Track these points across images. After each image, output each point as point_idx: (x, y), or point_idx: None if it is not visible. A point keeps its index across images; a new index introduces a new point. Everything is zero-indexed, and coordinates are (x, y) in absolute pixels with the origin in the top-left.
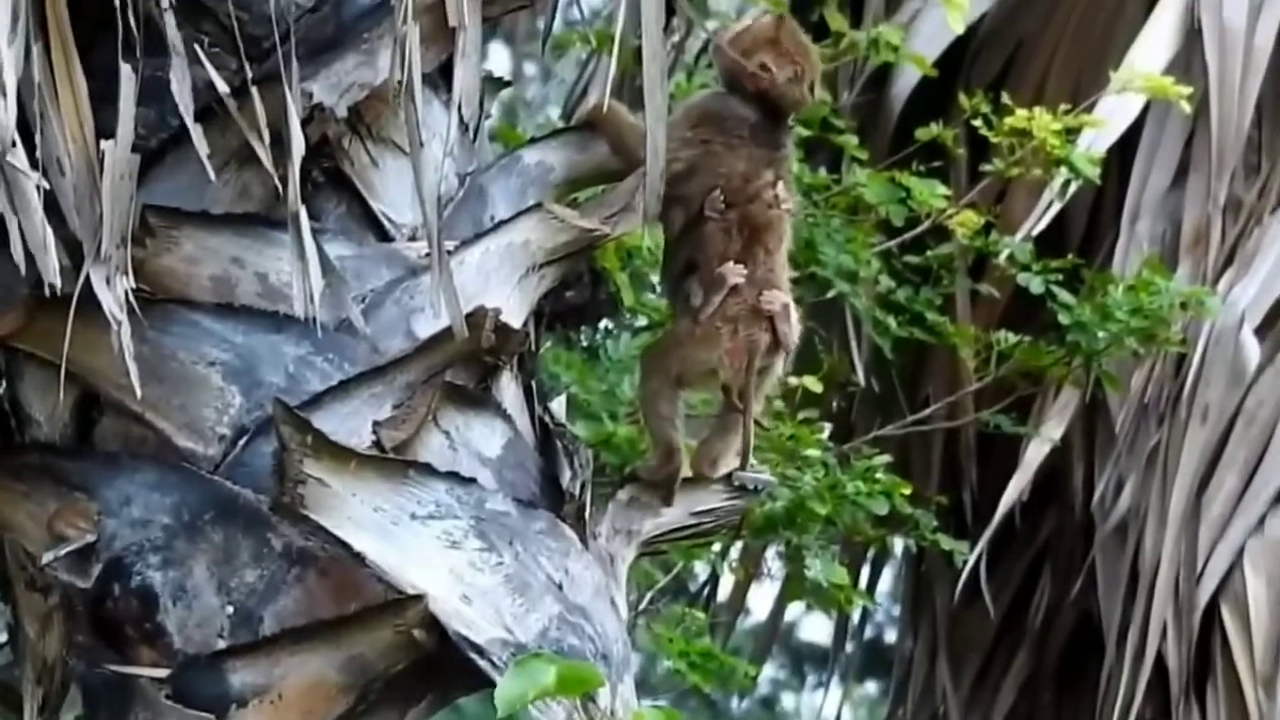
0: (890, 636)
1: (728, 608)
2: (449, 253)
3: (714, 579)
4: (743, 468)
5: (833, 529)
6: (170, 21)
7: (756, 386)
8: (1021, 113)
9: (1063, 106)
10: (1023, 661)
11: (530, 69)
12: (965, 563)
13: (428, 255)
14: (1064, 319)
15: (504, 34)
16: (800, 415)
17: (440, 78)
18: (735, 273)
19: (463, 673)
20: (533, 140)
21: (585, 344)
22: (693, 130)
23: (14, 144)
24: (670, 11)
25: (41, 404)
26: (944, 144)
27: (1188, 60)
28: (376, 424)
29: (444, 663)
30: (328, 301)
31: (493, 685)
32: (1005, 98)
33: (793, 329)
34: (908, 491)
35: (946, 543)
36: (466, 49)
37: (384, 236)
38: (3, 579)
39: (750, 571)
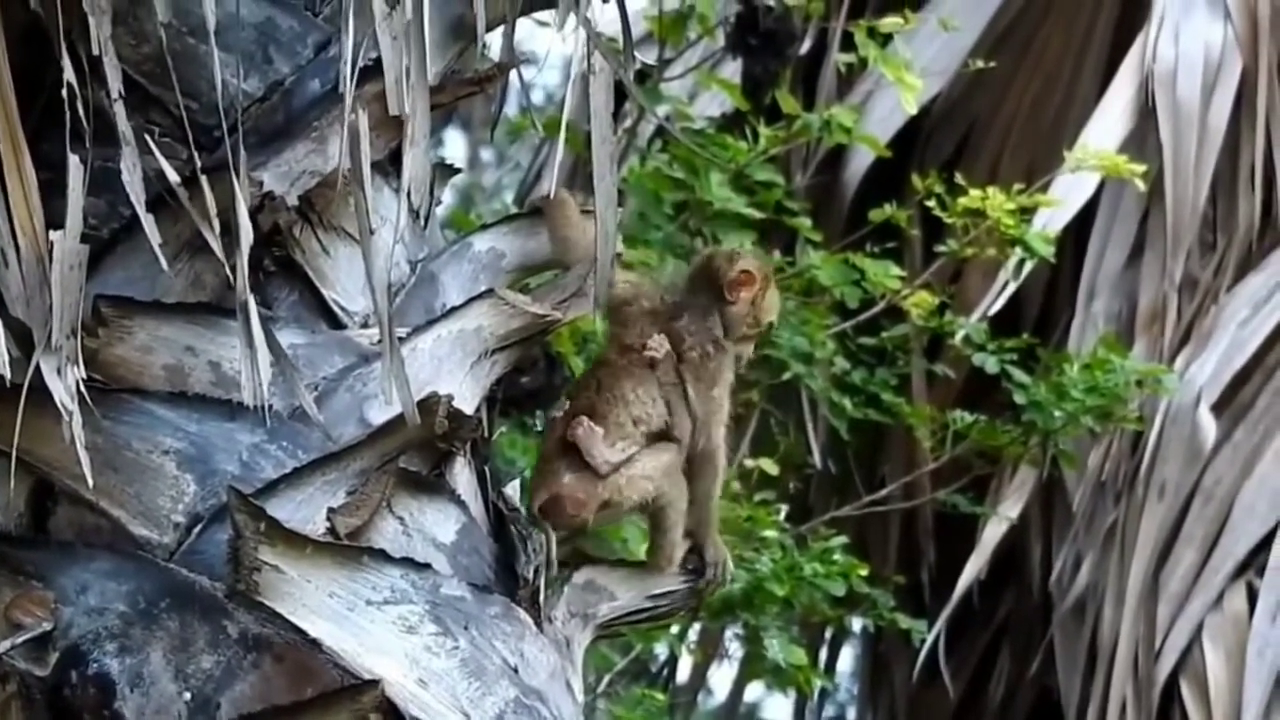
0: (851, 716)
1: (688, 688)
2: (401, 340)
3: (673, 660)
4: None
5: (791, 610)
6: (120, 111)
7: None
8: (975, 193)
9: (1017, 186)
10: None
11: (486, 154)
12: (924, 641)
13: (379, 342)
14: (1020, 398)
15: (460, 120)
16: (757, 497)
17: (391, 165)
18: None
19: None
20: (484, 226)
21: (540, 428)
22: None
23: None
24: (621, 98)
25: None
26: (898, 225)
27: (1142, 138)
28: (331, 510)
29: None
30: (281, 389)
31: None
32: (959, 178)
33: (605, 453)
34: (865, 572)
35: (905, 622)
36: (415, 136)
37: (336, 324)
38: None
39: (709, 652)
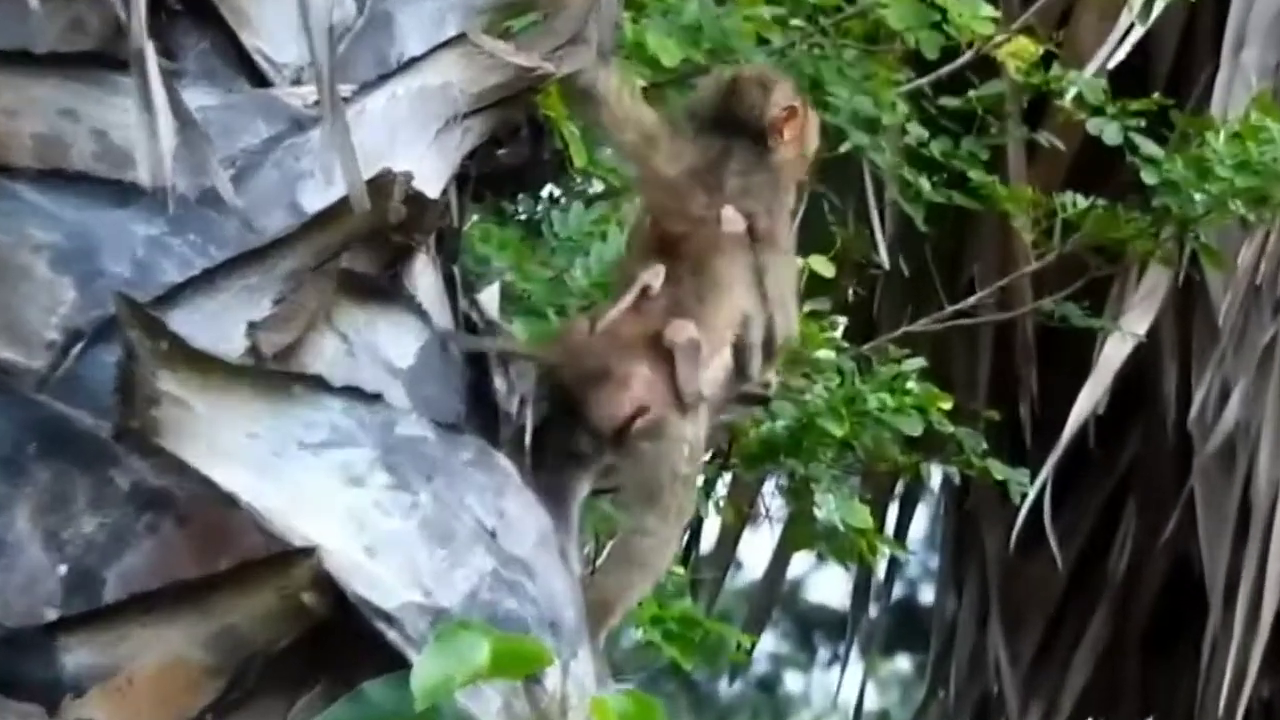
0: (927, 596)
1: (714, 560)
2: (345, 100)
3: (696, 523)
4: None
5: (850, 455)
6: None
7: (648, 461)
8: None
9: None
10: (1100, 626)
11: None
12: (1024, 497)
13: (317, 104)
14: (1149, 177)
15: None
16: (807, 307)
17: None
18: (654, 274)
19: (368, 649)
20: None
21: (524, 217)
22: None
23: None
24: None
25: None
26: None
27: None
28: (252, 325)
29: (343, 636)
30: (186, 166)
31: (407, 665)
32: None
33: (700, 379)
34: (948, 406)
35: (999, 471)
36: None
37: (260, 80)
38: None
39: (743, 513)
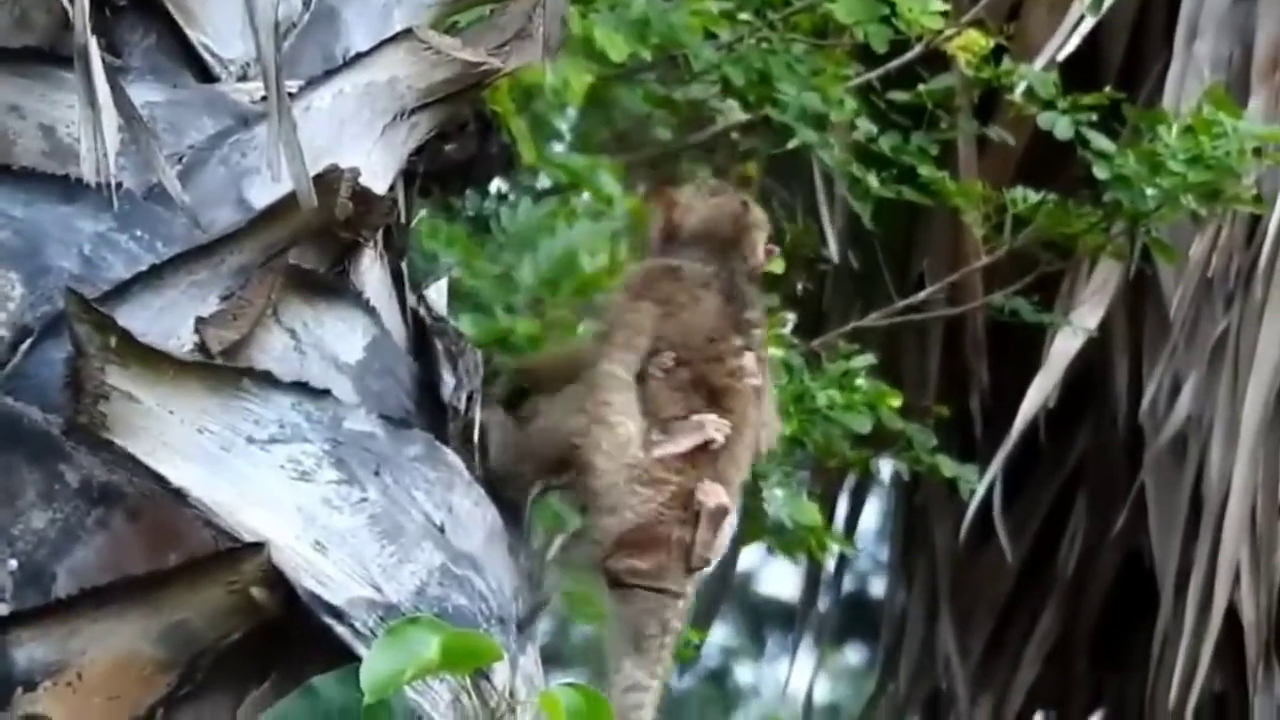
0: (877, 590)
1: None
2: (291, 96)
3: None
4: None
5: (800, 451)
6: None
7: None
8: None
9: None
10: (1050, 621)
11: None
12: (974, 492)
13: (263, 99)
14: (1100, 172)
15: None
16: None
17: None
18: (718, 427)
19: (317, 643)
20: None
21: (471, 213)
22: (646, 298)
23: None
24: None
25: None
26: None
27: None
28: (200, 320)
29: (292, 631)
30: (133, 162)
31: (356, 659)
32: None
33: (714, 545)
34: (897, 402)
35: (949, 467)
36: None
37: (206, 76)
38: None
39: None
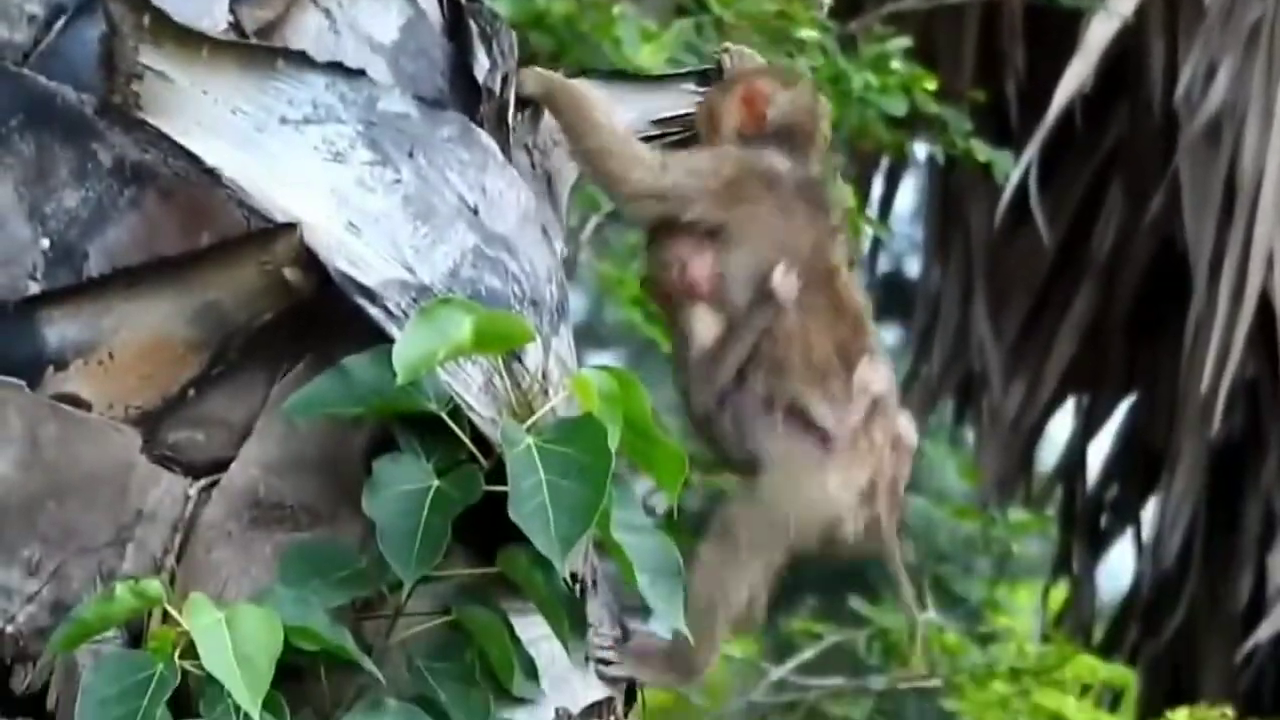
0: (912, 270)
1: None
2: None
3: None
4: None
5: (835, 134)
6: None
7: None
8: None
9: None
10: (1085, 303)
11: None
12: (1009, 176)
13: None
14: None
15: None
16: None
17: None
18: (879, 376)
19: (349, 324)
20: None
21: None
22: (727, 181)
23: None
24: None
25: None
26: None
27: None
28: None
29: (324, 312)
30: None
31: (389, 341)
32: None
33: (902, 478)
34: (933, 86)
35: (984, 151)
36: None
37: None
38: None
39: None
